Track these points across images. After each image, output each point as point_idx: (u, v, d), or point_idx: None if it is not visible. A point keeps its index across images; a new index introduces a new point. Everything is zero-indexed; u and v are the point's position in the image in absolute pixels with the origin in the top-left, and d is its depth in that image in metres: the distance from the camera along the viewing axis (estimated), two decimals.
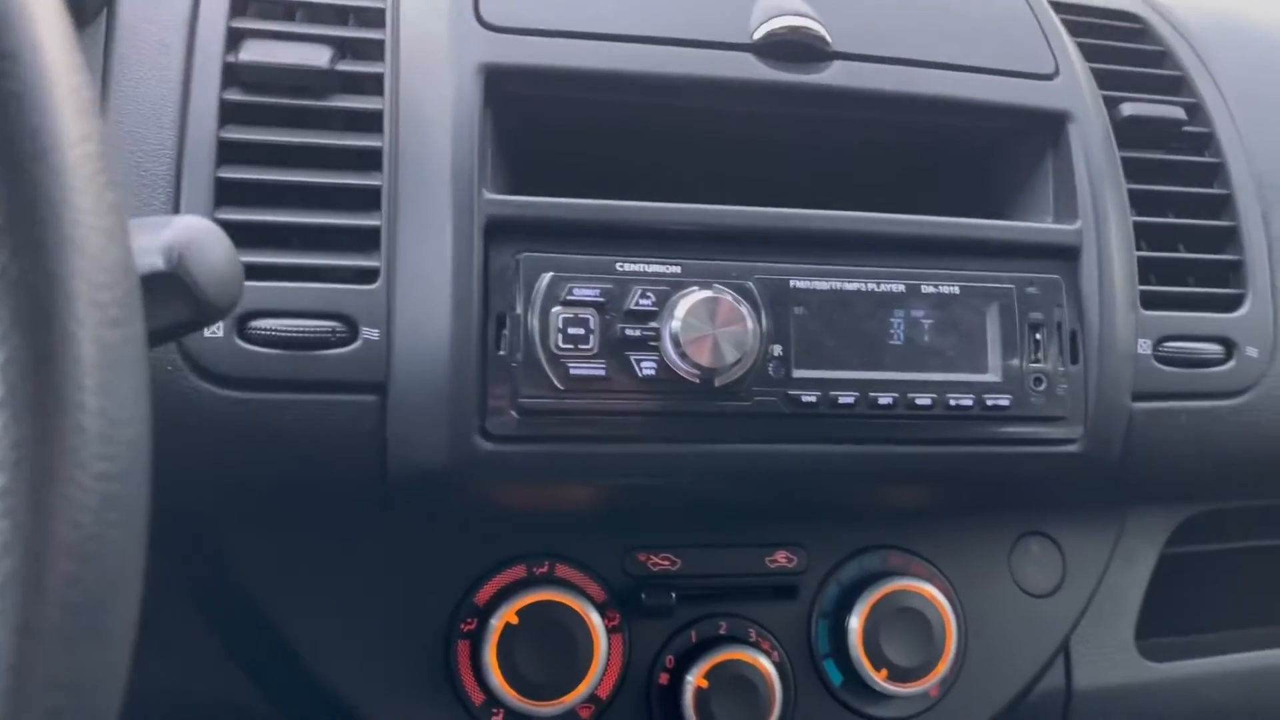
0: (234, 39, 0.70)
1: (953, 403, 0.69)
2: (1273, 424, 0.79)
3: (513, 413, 0.65)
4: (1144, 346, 0.75)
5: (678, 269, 0.69)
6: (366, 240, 0.67)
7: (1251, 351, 0.78)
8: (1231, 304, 0.82)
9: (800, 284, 0.70)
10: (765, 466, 0.69)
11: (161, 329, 0.47)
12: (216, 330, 0.62)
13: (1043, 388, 0.71)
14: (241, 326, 0.63)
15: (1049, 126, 0.78)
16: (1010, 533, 0.87)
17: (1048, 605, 0.87)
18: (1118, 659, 0.97)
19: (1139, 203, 0.81)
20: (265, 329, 0.63)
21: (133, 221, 0.43)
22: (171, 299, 0.46)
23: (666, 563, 0.80)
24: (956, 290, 0.72)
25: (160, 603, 0.82)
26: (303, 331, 0.63)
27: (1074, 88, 0.80)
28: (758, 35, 0.72)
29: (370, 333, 0.64)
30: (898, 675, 0.80)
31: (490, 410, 0.65)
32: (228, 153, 0.66)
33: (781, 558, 0.82)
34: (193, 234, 0.46)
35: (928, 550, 0.85)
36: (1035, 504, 0.85)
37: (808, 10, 0.73)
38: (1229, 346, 0.78)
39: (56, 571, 0.32)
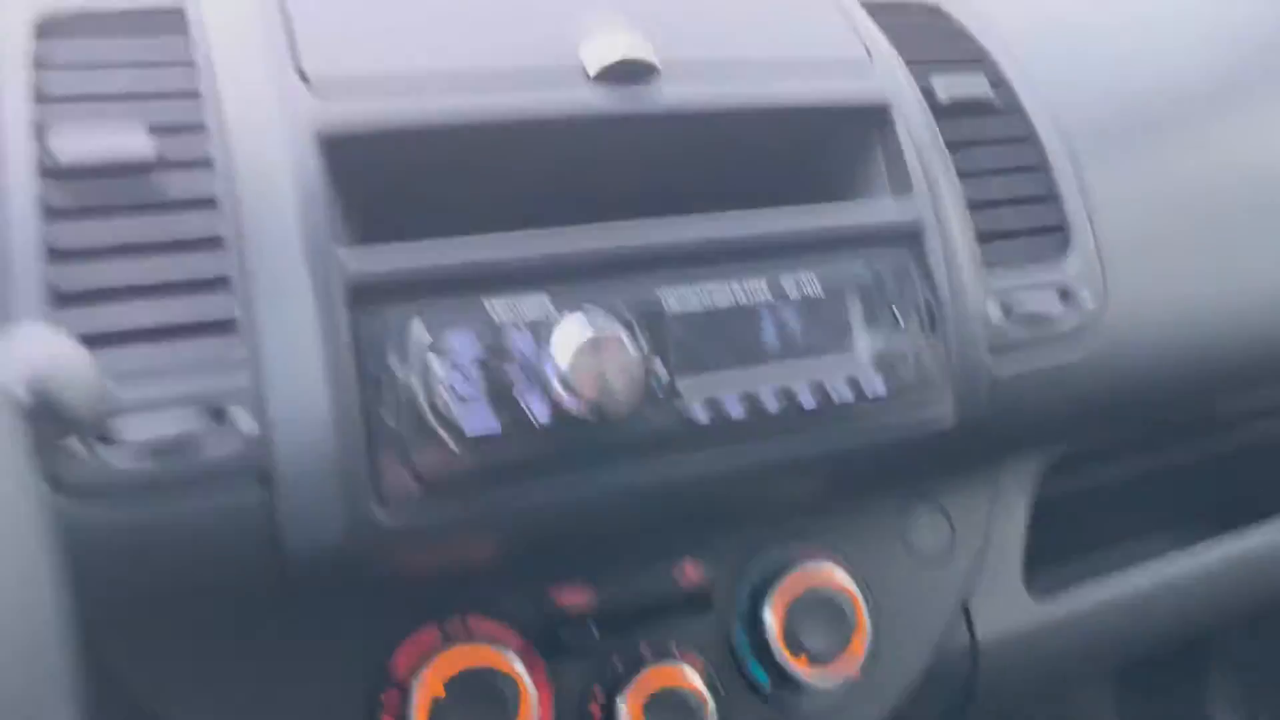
0: (42, 127, 0.65)
1: (835, 399, 0.71)
2: (1120, 363, 0.85)
3: (409, 478, 0.63)
4: (992, 308, 0.79)
5: (546, 297, 0.68)
6: (222, 329, 0.63)
7: (1086, 295, 0.83)
8: (1061, 252, 0.87)
9: (670, 296, 0.71)
10: (661, 483, 0.70)
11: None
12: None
13: (911, 363, 0.74)
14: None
15: (873, 115, 0.81)
16: (897, 505, 0.90)
17: (942, 569, 0.90)
18: (1012, 605, 1.02)
19: (961, 173, 0.85)
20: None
21: None
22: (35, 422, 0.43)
23: (580, 598, 0.79)
24: (816, 280, 0.74)
25: None
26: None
27: (889, 72, 0.83)
28: (593, 72, 0.72)
29: (243, 422, 0.61)
30: (818, 659, 0.81)
31: (385, 480, 0.62)
32: (57, 256, 0.62)
33: (690, 570, 0.82)
34: (53, 360, 0.43)
35: (825, 536, 0.87)
36: (917, 476, 0.88)
37: (633, 36, 0.74)
38: (1066, 295, 0.83)
39: None
